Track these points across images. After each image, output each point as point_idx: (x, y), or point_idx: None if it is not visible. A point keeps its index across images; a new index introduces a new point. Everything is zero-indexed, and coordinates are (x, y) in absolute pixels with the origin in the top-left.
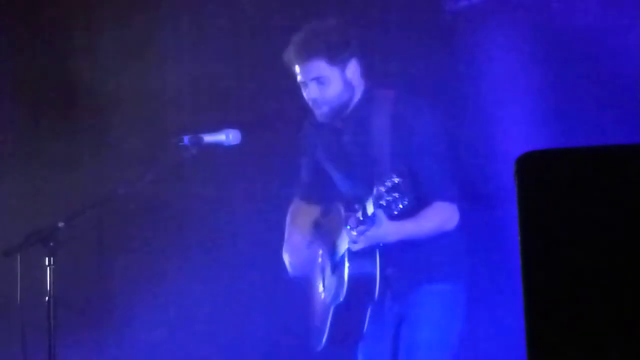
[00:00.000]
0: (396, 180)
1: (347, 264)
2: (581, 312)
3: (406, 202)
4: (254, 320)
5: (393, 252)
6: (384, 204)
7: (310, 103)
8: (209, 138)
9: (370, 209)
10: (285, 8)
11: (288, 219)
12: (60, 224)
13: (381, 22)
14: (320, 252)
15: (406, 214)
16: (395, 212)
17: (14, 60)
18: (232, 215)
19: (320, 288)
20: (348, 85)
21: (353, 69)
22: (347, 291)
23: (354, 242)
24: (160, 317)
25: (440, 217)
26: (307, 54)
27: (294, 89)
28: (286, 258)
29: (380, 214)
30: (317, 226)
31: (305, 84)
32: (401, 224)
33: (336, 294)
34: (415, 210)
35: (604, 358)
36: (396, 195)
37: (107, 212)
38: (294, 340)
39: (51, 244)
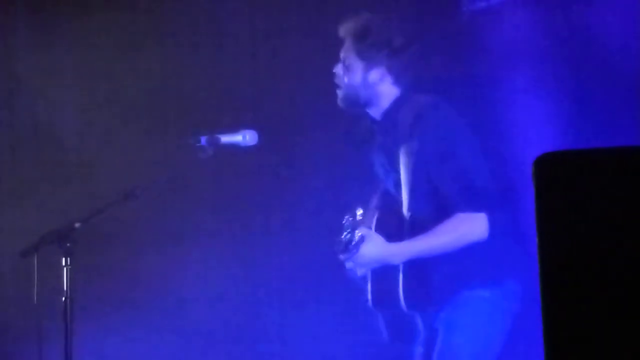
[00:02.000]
0: (356, 218)
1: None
2: (602, 313)
3: (357, 239)
4: (273, 322)
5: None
6: (343, 241)
7: (336, 80)
8: (226, 139)
9: (346, 236)
10: (303, 10)
11: None
12: (77, 224)
13: (397, 22)
14: None
15: (424, 226)
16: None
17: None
18: (250, 215)
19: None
20: (367, 86)
21: (378, 76)
22: (372, 300)
23: (353, 269)
24: (177, 318)
25: (461, 229)
26: (351, 35)
27: (311, 90)
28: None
29: (369, 237)
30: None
31: (338, 62)
32: (407, 244)
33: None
34: (435, 221)
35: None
36: (349, 234)
37: (124, 212)
38: (311, 343)
39: (68, 244)
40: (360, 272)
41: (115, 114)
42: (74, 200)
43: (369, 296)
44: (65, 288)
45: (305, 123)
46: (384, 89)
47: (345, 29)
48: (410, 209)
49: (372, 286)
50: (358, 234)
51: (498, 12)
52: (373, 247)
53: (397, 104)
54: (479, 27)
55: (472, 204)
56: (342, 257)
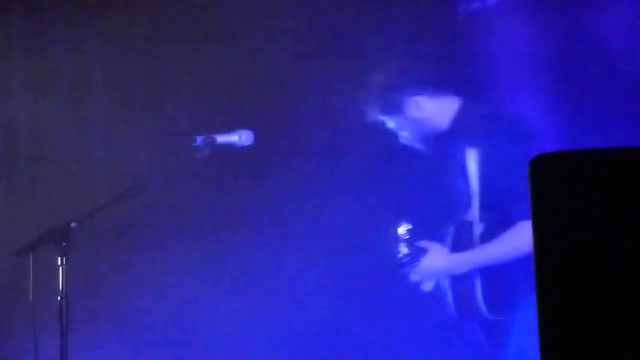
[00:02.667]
0: (406, 228)
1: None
2: (596, 313)
3: (409, 251)
4: (269, 325)
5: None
6: (405, 256)
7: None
8: (222, 139)
9: (403, 249)
10: (299, 10)
11: None
12: (73, 224)
13: (394, 25)
14: None
15: (488, 235)
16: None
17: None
18: (246, 215)
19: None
20: (417, 122)
21: (416, 106)
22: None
23: (419, 281)
24: (173, 318)
25: (525, 237)
26: (371, 114)
27: (307, 91)
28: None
29: (432, 248)
30: None
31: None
32: (471, 254)
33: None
34: (500, 229)
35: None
36: (407, 247)
37: (120, 212)
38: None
39: (64, 243)
40: (427, 286)
41: (112, 114)
42: (70, 200)
43: (452, 306)
44: (60, 287)
45: (301, 123)
46: (432, 110)
47: (366, 108)
48: (476, 216)
49: (453, 297)
50: (417, 246)
51: (493, 13)
52: (436, 259)
53: (459, 115)
54: (475, 28)
55: None
56: (405, 270)
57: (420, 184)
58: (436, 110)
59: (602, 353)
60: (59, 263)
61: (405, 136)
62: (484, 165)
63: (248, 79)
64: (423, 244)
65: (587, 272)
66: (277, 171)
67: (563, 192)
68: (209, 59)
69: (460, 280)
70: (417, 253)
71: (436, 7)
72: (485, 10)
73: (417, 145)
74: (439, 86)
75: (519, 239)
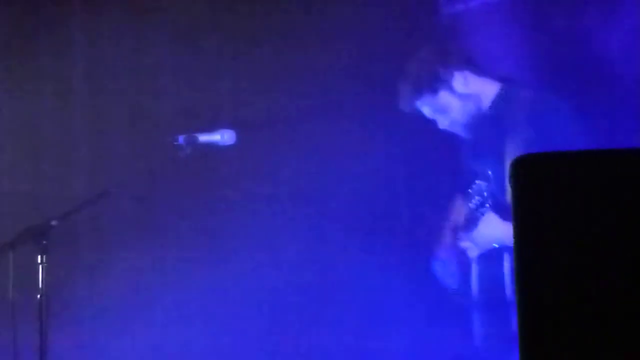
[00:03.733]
0: (478, 182)
1: (475, 266)
2: (576, 315)
3: (487, 206)
4: (250, 320)
5: None
6: (472, 206)
7: (447, 130)
8: (203, 138)
9: (465, 213)
10: (284, 9)
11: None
12: (53, 222)
13: (376, 26)
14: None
15: None
16: (484, 209)
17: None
18: (227, 214)
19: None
20: (465, 98)
21: (462, 81)
22: (479, 293)
23: (468, 249)
24: (153, 316)
25: None
26: (410, 100)
27: (290, 89)
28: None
29: (487, 214)
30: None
31: (431, 120)
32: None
33: (466, 293)
34: None
35: None
36: (478, 198)
37: (101, 210)
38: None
39: (44, 241)
40: (474, 252)
41: (93, 112)
42: (50, 198)
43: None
44: (40, 286)
45: (283, 122)
46: (478, 87)
47: (405, 95)
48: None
49: (477, 279)
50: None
51: (476, 14)
52: (493, 226)
53: (499, 98)
54: (457, 29)
55: None
56: (460, 234)
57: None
58: (480, 88)
59: (584, 354)
60: (39, 261)
61: (446, 118)
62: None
63: (230, 78)
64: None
65: (568, 273)
66: (259, 171)
67: (544, 193)
68: (192, 58)
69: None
70: (472, 221)
71: (419, 8)
72: (468, 12)
73: (457, 129)
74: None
75: None
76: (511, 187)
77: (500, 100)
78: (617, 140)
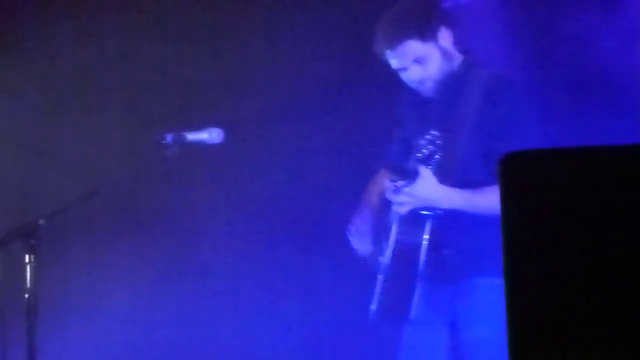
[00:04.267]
0: (434, 132)
1: (394, 229)
2: (565, 314)
3: (438, 156)
4: (243, 314)
5: (450, 232)
6: (420, 157)
7: (413, 85)
8: (191, 136)
9: (412, 165)
10: (271, 7)
11: (367, 189)
12: (42, 221)
13: (367, 26)
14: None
15: (462, 179)
16: (430, 167)
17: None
18: (214, 213)
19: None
20: (446, 54)
21: (445, 37)
22: (392, 256)
23: (400, 203)
24: (143, 315)
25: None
26: (397, 39)
27: (278, 87)
28: (351, 232)
29: (425, 172)
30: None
31: (403, 68)
32: (452, 190)
33: (384, 260)
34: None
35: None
36: (431, 147)
37: (89, 209)
38: (288, 340)
39: (32, 241)
40: (403, 209)
41: (81, 111)
42: (38, 197)
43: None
44: (29, 285)
45: (271, 121)
46: (453, 50)
47: (386, 41)
48: (461, 169)
49: (393, 254)
50: (412, 165)
51: (467, 10)
52: (428, 184)
53: (460, 70)
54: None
55: None
56: (398, 184)
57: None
58: (454, 51)
59: (574, 352)
60: (27, 260)
61: (422, 70)
62: (483, 116)
63: (218, 76)
64: (419, 168)
65: (557, 271)
66: (246, 169)
67: (533, 191)
68: (180, 57)
69: (410, 223)
70: (411, 175)
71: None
72: (458, 8)
73: (427, 84)
74: None
75: (494, 198)
76: (500, 184)
77: (460, 71)
78: (595, 139)
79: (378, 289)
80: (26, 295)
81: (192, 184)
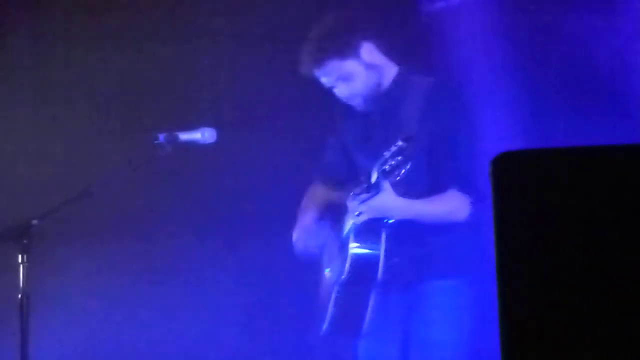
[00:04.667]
0: (400, 143)
1: (351, 241)
2: (556, 314)
3: (409, 167)
4: (233, 313)
5: (400, 240)
6: (387, 169)
7: (344, 100)
8: (184, 136)
9: (374, 177)
10: (262, 9)
11: (303, 202)
12: (34, 221)
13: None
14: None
15: (418, 189)
16: (398, 178)
17: None
18: (208, 213)
19: (327, 269)
20: (371, 67)
21: (369, 50)
22: (349, 269)
23: (358, 214)
24: (136, 314)
25: (452, 204)
26: (317, 60)
27: (270, 87)
28: (294, 237)
29: (386, 184)
30: (330, 207)
31: (332, 86)
32: (409, 202)
33: (339, 273)
34: (430, 194)
35: None
36: (399, 158)
37: (81, 209)
38: (284, 332)
39: (24, 241)
40: (360, 219)
41: (74, 111)
42: (31, 197)
43: (345, 275)
44: (21, 285)
45: (264, 121)
46: (381, 62)
47: (309, 63)
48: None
49: (351, 267)
50: (374, 177)
51: (457, 13)
52: (387, 196)
53: (397, 81)
54: (438, 27)
55: (463, 185)
56: (356, 202)
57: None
58: (383, 63)
59: (569, 352)
60: (20, 261)
61: (348, 86)
62: (426, 124)
63: (211, 76)
64: (381, 181)
65: (550, 271)
66: (239, 169)
67: (525, 190)
68: (172, 56)
69: (366, 234)
70: (375, 187)
71: (399, 6)
72: (449, 10)
73: (357, 100)
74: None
75: (449, 205)
76: (492, 184)
77: (397, 84)
78: (586, 139)
79: (332, 304)
80: (19, 295)
81: (185, 184)
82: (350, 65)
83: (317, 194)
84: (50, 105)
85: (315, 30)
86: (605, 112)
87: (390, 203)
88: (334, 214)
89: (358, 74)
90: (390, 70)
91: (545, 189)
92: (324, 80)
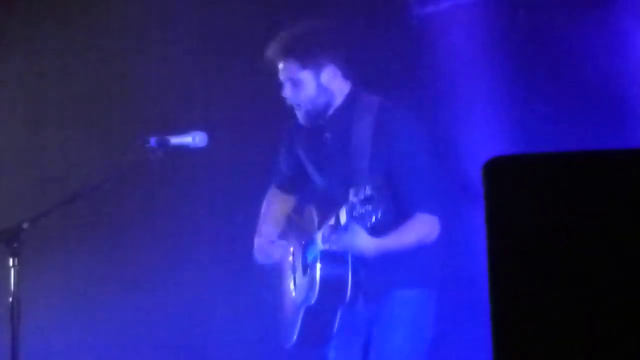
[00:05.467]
0: (369, 192)
1: (319, 266)
2: (548, 319)
3: (379, 215)
4: (218, 318)
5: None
6: (357, 216)
7: (288, 102)
8: (175, 140)
9: (343, 219)
10: (252, 12)
11: (263, 206)
12: (25, 225)
13: (349, 26)
14: (292, 249)
15: (387, 225)
16: (369, 225)
17: None
18: (199, 217)
19: (291, 286)
20: (323, 90)
21: (330, 75)
22: (319, 293)
23: (328, 247)
24: (126, 317)
25: (422, 230)
26: (282, 54)
27: (261, 92)
28: (256, 243)
29: (356, 226)
30: (289, 221)
31: (282, 83)
32: (381, 241)
33: (307, 296)
34: (396, 220)
35: None
36: (369, 207)
37: (72, 213)
38: (259, 339)
39: (15, 244)
40: (327, 247)
41: (65, 114)
42: (21, 201)
43: (315, 296)
44: (12, 289)
45: (255, 125)
46: (337, 86)
47: (275, 50)
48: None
49: (319, 290)
50: (343, 219)
51: (448, 17)
52: (357, 237)
53: (350, 100)
54: (428, 31)
55: (429, 206)
56: (326, 244)
57: None
58: (340, 87)
59: (554, 354)
60: (11, 264)
61: (293, 95)
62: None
63: (202, 80)
64: (351, 225)
65: (540, 275)
66: (230, 173)
67: (518, 195)
68: (163, 59)
69: (333, 258)
70: (344, 229)
71: (390, 10)
72: (439, 14)
73: (301, 111)
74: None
75: (419, 232)
76: (484, 189)
77: (349, 102)
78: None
79: (300, 322)
80: (9, 299)
81: (176, 188)
82: (304, 75)
83: (275, 200)
84: (41, 110)
85: (294, 27)
86: (594, 118)
87: (361, 243)
88: (293, 229)
89: (308, 87)
90: (344, 92)
91: (538, 193)
92: (280, 74)
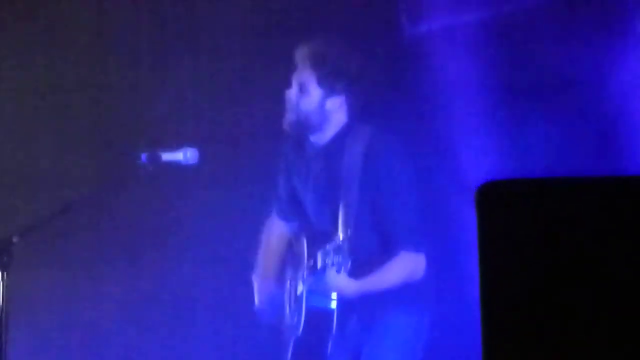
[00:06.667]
0: (339, 242)
1: (304, 298)
2: (539, 343)
3: (349, 264)
4: (205, 343)
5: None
6: (329, 263)
7: (286, 103)
8: (166, 156)
9: (319, 263)
10: (245, 28)
11: (264, 236)
12: (15, 239)
13: (352, 50)
14: (289, 275)
15: (371, 262)
16: (342, 271)
17: None
18: (189, 234)
19: (287, 312)
20: (322, 112)
21: (337, 104)
22: (305, 324)
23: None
24: (116, 331)
25: (406, 270)
26: (309, 60)
27: (254, 108)
28: (255, 287)
29: (332, 271)
30: (290, 247)
31: (291, 82)
32: (361, 283)
33: (296, 326)
34: (383, 255)
35: None
36: (339, 258)
37: (63, 226)
38: None
39: (5, 258)
40: (310, 287)
41: (55, 128)
42: (11, 214)
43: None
44: (1, 303)
45: (247, 142)
46: (337, 117)
47: (302, 54)
48: (351, 240)
49: (305, 322)
50: (320, 263)
51: (439, 36)
52: (336, 280)
53: (343, 132)
54: (420, 51)
55: (416, 243)
56: (310, 279)
57: None
58: (338, 118)
59: None
60: (0, 278)
61: (292, 98)
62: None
63: (194, 96)
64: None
65: (535, 302)
66: (222, 189)
67: (511, 220)
68: (154, 74)
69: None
70: (322, 272)
71: (382, 30)
72: (431, 35)
73: (289, 119)
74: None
75: (403, 271)
76: (477, 214)
77: (343, 133)
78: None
79: (290, 352)
80: None
81: (167, 204)
82: (314, 92)
83: (275, 230)
84: (31, 122)
85: (335, 45)
86: (598, 141)
87: (339, 286)
88: (293, 256)
89: (310, 101)
90: (340, 123)
91: (531, 218)
92: (294, 72)
